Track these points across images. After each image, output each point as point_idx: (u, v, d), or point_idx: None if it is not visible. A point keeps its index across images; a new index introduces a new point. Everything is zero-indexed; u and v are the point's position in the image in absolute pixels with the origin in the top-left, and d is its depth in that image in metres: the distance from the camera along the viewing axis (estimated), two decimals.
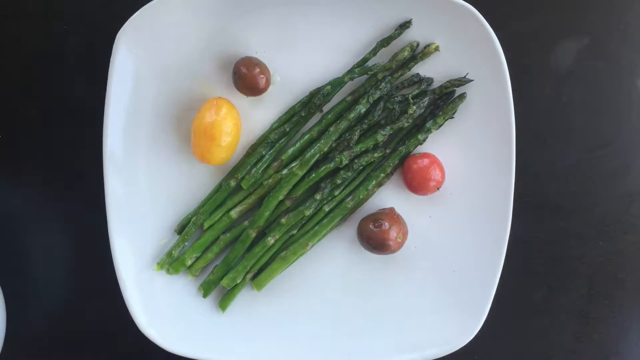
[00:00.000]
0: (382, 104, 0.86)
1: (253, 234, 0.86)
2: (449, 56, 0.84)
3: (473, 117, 0.85)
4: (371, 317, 0.88)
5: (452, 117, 0.85)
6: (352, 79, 0.85)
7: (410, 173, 0.84)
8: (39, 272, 0.93)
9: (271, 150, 0.87)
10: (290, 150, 0.87)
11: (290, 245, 0.87)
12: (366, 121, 0.86)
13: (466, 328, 0.84)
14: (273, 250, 0.87)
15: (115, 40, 0.81)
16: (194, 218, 0.87)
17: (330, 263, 0.88)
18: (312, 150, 0.86)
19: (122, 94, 0.83)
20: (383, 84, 0.85)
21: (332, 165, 0.85)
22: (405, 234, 0.84)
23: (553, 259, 0.93)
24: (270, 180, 0.86)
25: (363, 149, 0.85)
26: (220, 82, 0.86)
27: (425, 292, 0.87)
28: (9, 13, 0.90)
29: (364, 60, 0.85)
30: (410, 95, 0.85)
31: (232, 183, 0.86)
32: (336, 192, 0.86)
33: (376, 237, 0.82)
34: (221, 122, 0.82)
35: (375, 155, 0.86)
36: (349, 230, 0.88)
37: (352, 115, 0.85)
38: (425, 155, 0.85)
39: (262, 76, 0.82)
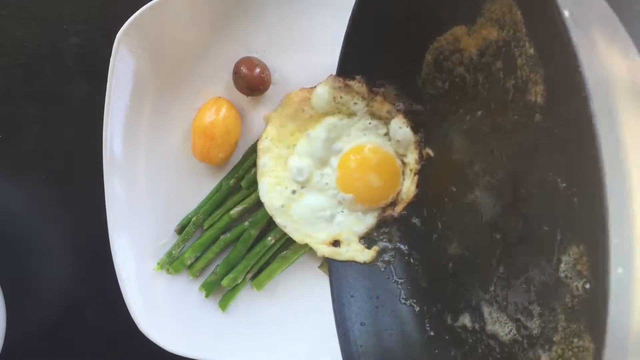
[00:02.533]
0: None
1: (255, 233, 0.86)
2: None
3: None
4: None
5: None
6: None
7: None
8: (39, 272, 0.93)
9: None
10: None
11: (291, 245, 0.87)
12: None
13: None
14: (273, 250, 0.87)
15: (115, 40, 0.81)
16: (194, 218, 0.87)
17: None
18: None
19: (122, 94, 0.83)
20: None
21: None
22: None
23: None
24: None
25: None
26: (220, 82, 0.86)
27: None
28: (9, 13, 0.90)
29: None
30: None
31: (232, 183, 0.86)
32: None
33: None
34: (221, 122, 0.82)
35: None
36: None
37: None
38: None
39: (262, 76, 0.82)
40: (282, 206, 0.83)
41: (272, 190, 0.83)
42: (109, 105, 0.83)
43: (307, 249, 0.87)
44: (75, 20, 0.90)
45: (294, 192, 0.83)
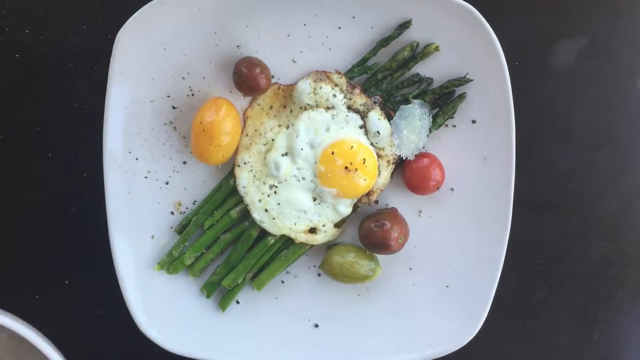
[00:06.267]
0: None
1: (255, 234, 0.86)
2: (449, 56, 0.84)
3: (473, 117, 0.85)
4: (371, 316, 0.88)
5: (452, 117, 0.85)
6: (352, 78, 0.85)
7: (410, 172, 0.85)
8: (39, 272, 0.93)
9: None
10: None
11: (291, 245, 0.87)
12: None
13: (466, 328, 0.84)
14: (273, 250, 0.87)
15: (115, 40, 0.81)
16: (194, 218, 0.87)
17: None
18: None
19: (122, 94, 0.83)
20: (384, 84, 0.85)
21: None
22: (406, 235, 0.84)
23: (553, 259, 0.93)
24: None
25: None
26: (220, 82, 0.86)
27: (425, 291, 0.87)
28: (9, 13, 0.90)
29: (364, 59, 0.85)
30: (410, 95, 0.85)
31: (232, 183, 0.86)
32: None
33: (377, 236, 0.82)
34: (221, 122, 0.82)
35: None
36: (350, 230, 0.88)
37: None
38: (424, 154, 0.85)
39: (262, 76, 0.82)
40: (260, 201, 0.84)
41: (250, 184, 0.85)
42: (109, 105, 0.83)
43: (307, 249, 0.87)
44: (75, 20, 0.90)
45: (271, 186, 0.84)
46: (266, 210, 0.84)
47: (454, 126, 0.86)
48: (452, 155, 0.86)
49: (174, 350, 0.84)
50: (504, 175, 0.84)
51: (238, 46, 0.85)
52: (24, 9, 0.90)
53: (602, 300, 0.94)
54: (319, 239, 0.86)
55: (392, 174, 0.86)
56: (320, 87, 0.84)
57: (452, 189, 0.87)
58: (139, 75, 0.84)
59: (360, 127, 0.84)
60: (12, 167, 0.92)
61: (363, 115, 0.85)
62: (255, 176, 0.85)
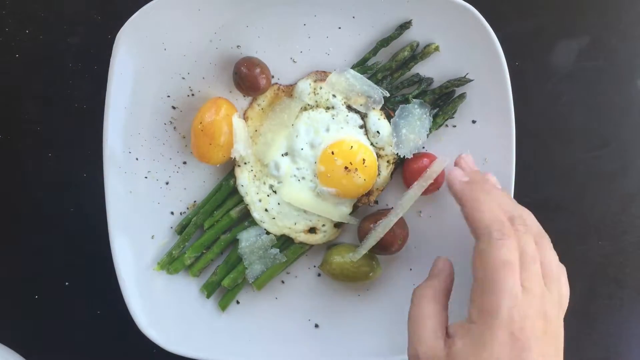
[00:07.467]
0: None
1: None
2: (449, 56, 0.84)
3: (473, 117, 0.85)
4: (371, 316, 0.88)
5: (452, 117, 0.85)
6: None
7: (410, 172, 0.84)
8: (38, 273, 0.93)
9: None
10: None
11: (290, 245, 0.87)
12: None
13: None
14: None
15: (115, 40, 0.81)
16: (194, 218, 0.87)
17: None
18: None
19: (122, 94, 0.83)
20: (384, 84, 0.85)
21: None
22: (405, 236, 0.84)
23: None
24: None
25: None
26: (220, 82, 0.86)
27: None
28: (8, 13, 0.90)
29: (364, 60, 0.85)
30: (410, 95, 0.85)
31: (232, 183, 0.86)
32: None
33: None
34: (221, 122, 0.82)
35: None
36: (350, 230, 0.88)
37: None
38: (425, 155, 0.85)
39: (262, 76, 0.82)
40: (260, 201, 0.84)
41: (250, 184, 0.85)
42: (109, 105, 0.83)
43: (307, 249, 0.87)
44: (75, 20, 0.90)
45: (271, 186, 0.84)
46: (266, 210, 0.84)
47: (454, 126, 0.86)
48: (451, 155, 0.86)
49: (173, 350, 0.84)
50: (504, 175, 0.84)
51: (238, 46, 0.85)
52: (24, 9, 0.90)
53: (602, 300, 0.94)
54: (319, 238, 0.86)
55: (392, 174, 0.86)
56: (320, 87, 0.84)
57: None
58: (139, 75, 0.84)
59: (360, 127, 0.84)
60: (12, 167, 0.92)
61: (363, 115, 0.85)
62: (255, 176, 0.85)
